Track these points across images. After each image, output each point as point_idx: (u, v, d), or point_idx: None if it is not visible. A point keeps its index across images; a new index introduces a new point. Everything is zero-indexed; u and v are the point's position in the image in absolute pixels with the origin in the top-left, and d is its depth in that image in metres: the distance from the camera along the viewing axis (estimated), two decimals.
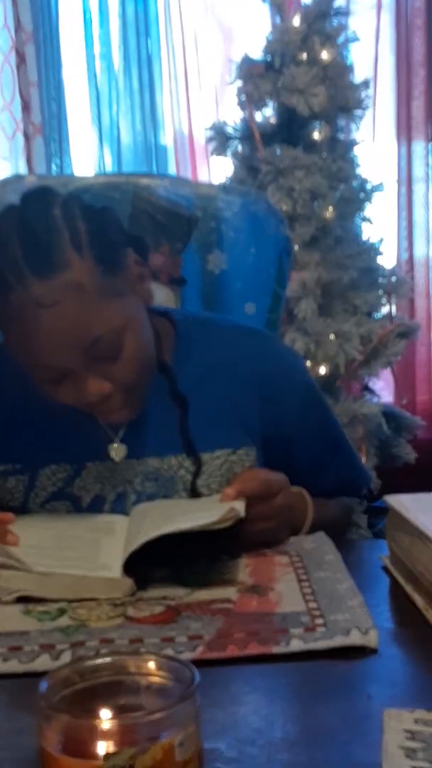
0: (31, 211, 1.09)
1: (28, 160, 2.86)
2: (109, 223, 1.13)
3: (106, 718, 0.58)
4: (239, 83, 2.45)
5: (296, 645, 0.85)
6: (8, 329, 1.10)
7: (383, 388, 3.15)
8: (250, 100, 2.42)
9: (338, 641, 0.85)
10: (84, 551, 1.08)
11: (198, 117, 3.38)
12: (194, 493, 1.22)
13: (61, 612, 0.97)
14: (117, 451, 1.23)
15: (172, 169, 3.30)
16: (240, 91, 2.46)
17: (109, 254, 1.10)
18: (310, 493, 1.24)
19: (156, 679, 0.65)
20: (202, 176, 3.16)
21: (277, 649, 0.84)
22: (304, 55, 2.39)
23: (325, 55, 2.39)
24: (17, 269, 1.05)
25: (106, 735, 0.57)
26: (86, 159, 3.33)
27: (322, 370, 2.35)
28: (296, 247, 2.28)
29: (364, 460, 2.51)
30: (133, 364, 1.13)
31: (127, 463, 1.23)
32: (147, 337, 1.17)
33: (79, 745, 0.57)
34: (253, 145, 2.44)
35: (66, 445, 1.23)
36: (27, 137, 2.86)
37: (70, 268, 1.06)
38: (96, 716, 0.59)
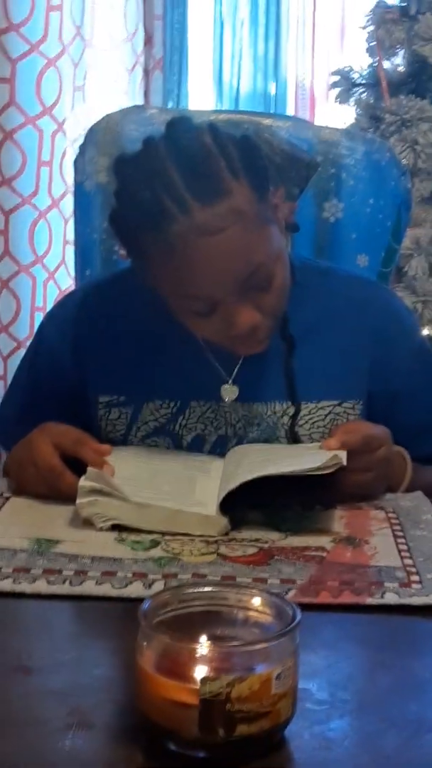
0: (183, 139, 1.06)
1: (146, 95, 2.84)
2: (255, 150, 1.11)
3: (204, 643, 0.58)
4: (370, 28, 2.38)
5: (391, 598, 0.84)
6: (163, 261, 1.07)
7: None
8: (381, 47, 2.35)
9: None
10: (180, 487, 1.09)
11: (320, 64, 3.30)
12: (294, 440, 1.21)
13: (155, 543, 0.98)
14: (229, 392, 1.22)
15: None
16: (370, 37, 2.39)
17: (260, 181, 1.08)
18: (413, 453, 1.21)
19: (254, 614, 0.65)
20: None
21: (371, 601, 0.83)
22: None
23: None
24: (179, 197, 1.02)
25: (203, 660, 0.57)
26: (202, 99, 3.30)
27: (427, 331, 2.30)
28: (413, 203, 2.23)
29: None
30: (281, 294, 1.12)
31: (232, 405, 1.22)
32: (288, 273, 1.15)
33: (176, 667, 0.58)
34: (378, 94, 2.38)
35: (173, 381, 1.23)
36: (146, 72, 2.84)
37: (231, 195, 1.04)
38: (195, 641, 0.59)
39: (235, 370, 1.22)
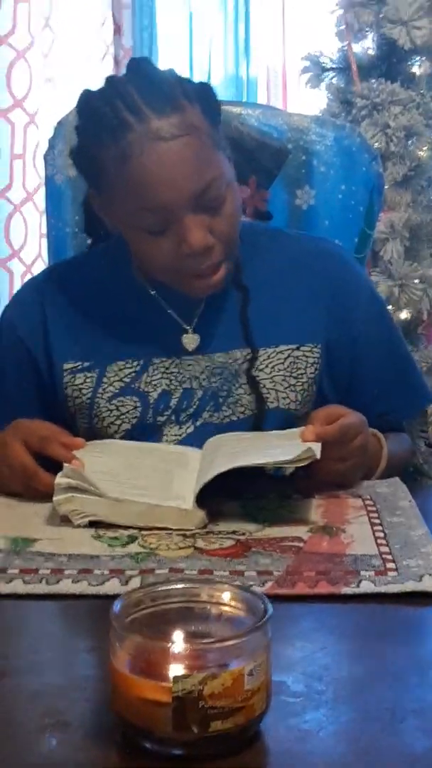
0: (142, 65, 1.16)
1: None
2: (210, 90, 1.18)
3: (177, 641, 0.58)
4: (339, 12, 2.37)
5: (367, 587, 0.84)
6: (119, 171, 1.12)
7: None
8: (350, 30, 2.34)
9: (410, 586, 0.84)
10: (156, 481, 1.08)
11: (291, 49, 3.29)
12: (253, 384, 1.23)
13: (132, 539, 0.98)
14: (190, 340, 1.25)
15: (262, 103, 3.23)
16: (339, 21, 2.37)
17: (212, 114, 1.15)
18: (375, 410, 1.23)
19: (227, 609, 0.65)
20: (293, 110, 3.09)
21: (346, 590, 0.84)
22: None
23: None
24: (136, 108, 1.10)
25: (176, 658, 0.57)
26: None
27: (404, 315, 2.30)
28: (386, 187, 2.22)
29: None
30: (232, 222, 1.17)
31: (193, 358, 1.25)
32: (239, 205, 1.20)
33: (149, 666, 0.58)
34: (348, 78, 2.37)
35: (134, 341, 1.26)
36: (117, 61, 2.82)
37: (185, 111, 1.11)
38: (167, 639, 0.59)
39: (195, 319, 1.25)
